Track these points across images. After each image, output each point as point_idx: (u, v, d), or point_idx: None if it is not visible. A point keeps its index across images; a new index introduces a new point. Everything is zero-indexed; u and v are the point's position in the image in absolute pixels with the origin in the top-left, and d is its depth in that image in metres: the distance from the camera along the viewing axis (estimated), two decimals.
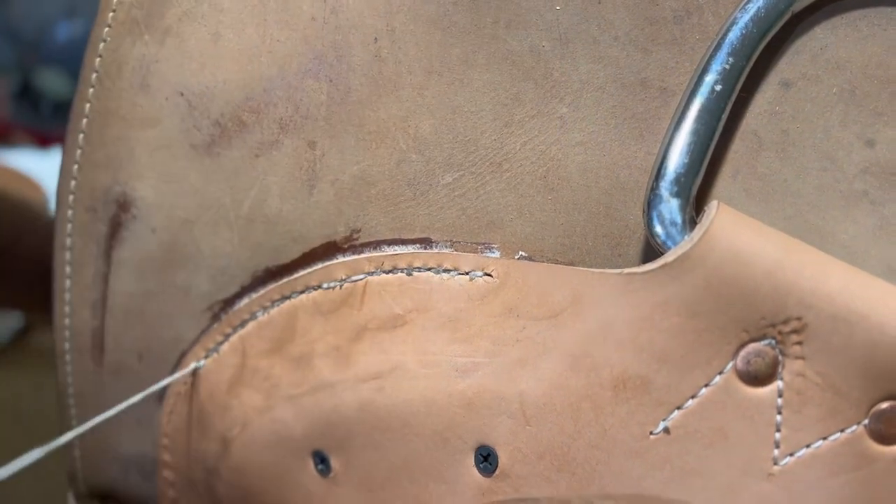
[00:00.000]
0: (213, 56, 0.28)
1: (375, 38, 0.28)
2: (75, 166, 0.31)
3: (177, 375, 0.32)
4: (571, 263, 0.27)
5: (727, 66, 0.26)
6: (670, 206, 0.25)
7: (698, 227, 0.24)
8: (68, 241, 0.32)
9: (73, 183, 0.31)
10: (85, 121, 0.30)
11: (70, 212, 0.31)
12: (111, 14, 0.29)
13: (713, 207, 0.25)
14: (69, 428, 0.36)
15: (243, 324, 0.31)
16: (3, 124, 1.15)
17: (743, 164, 0.27)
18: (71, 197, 0.31)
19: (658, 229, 0.25)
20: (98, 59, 0.29)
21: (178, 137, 0.29)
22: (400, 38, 0.28)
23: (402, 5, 0.27)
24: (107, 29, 0.29)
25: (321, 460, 0.29)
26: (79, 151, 0.30)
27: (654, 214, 0.25)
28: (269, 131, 0.28)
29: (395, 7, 0.27)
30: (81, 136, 0.30)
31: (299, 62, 0.28)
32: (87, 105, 0.30)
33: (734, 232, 0.24)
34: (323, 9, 0.28)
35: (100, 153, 0.30)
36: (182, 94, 0.29)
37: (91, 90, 0.30)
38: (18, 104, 1.20)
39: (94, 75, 0.29)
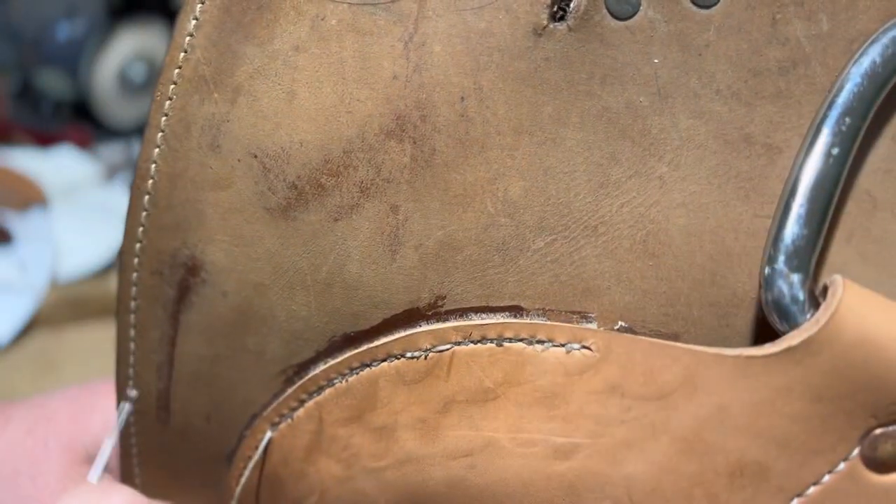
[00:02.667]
0: (289, 116, 0.27)
1: (462, 97, 0.26)
2: (140, 229, 0.29)
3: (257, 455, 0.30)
4: (676, 334, 0.26)
5: (843, 128, 0.24)
6: (790, 282, 0.23)
7: (824, 307, 0.23)
8: (133, 304, 0.30)
9: (137, 245, 0.29)
10: (151, 182, 0.28)
11: (135, 274, 0.30)
12: (177, 70, 0.27)
13: (838, 285, 0.23)
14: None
15: (320, 390, 0.29)
16: (3, 124, 1.14)
17: (857, 226, 0.25)
18: (136, 259, 0.29)
19: (777, 307, 0.23)
20: (164, 118, 0.28)
21: (251, 200, 0.28)
22: (488, 96, 0.26)
23: (491, 62, 0.26)
24: (172, 86, 0.27)
25: None
26: (144, 213, 0.29)
27: (773, 290, 0.23)
28: (349, 195, 0.27)
29: (483, 64, 0.26)
30: (147, 197, 0.29)
31: (381, 122, 0.26)
32: (153, 166, 0.28)
33: (863, 312, 0.22)
34: (405, 66, 0.26)
35: (167, 216, 0.29)
36: (255, 156, 0.27)
37: (157, 150, 0.28)
38: (18, 104, 1.19)
39: (160, 135, 0.28)
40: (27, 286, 0.87)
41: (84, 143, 1.12)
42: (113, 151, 1.12)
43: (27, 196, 0.99)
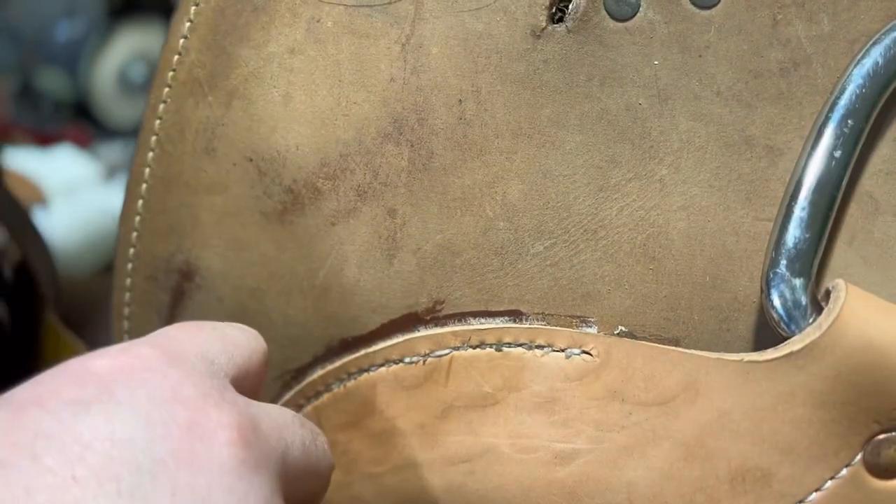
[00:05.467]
0: (284, 119, 0.26)
1: (460, 100, 0.26)
2: (134, 234, 0.29)
3: None
4: (676, 339, 0.25)
5: (846, 130, 0.24)
6: (793, 286, 0.23)
7: (826, 311, 0.22)
8: (126, 310, 0.30)
9: (131, 251, 0.29)
10: (144, 186, 0.28)
11: (129, 280, 0.29)
12: (171, 73, 0.27)
13: (841, 289, 0.23)
14: None
15: (318, 395, 0.29)
16: (3, 124, 1.13)
17: (859, 228, 0.25)
18: (129, 265, 0.29)
19: (779, 311, 0.23)
20: (158, 122, 0.27)
21: (247, 204, 0.27)
22: (486, 99, 0.26)
23: (489, 64, 0.25)
24: (167, 89, 0.27)
25: None
26: (138, 218, 0.29)
27: (775, 295, 0.23)
28: (346, 199, 0.27)
29: (481, 66, 0.25)
30: (141, 202, 0.28)
31: (378, 126, 0.26)
32: (147, 170, 0.28)
33: (865, 317, 0.22)
34: (403, 69, 0.26)
35: (161, 220, 0.28)
36: (251, 160, 0.27)
37: (150, 154, 0.28)
38: (18, 104, 1.19)
39: (154, 138, 0.28)
40: None
41: (84, 143, 1.12)
42: (113, 151, 1.12)
43: (27, 196, 0.98)
